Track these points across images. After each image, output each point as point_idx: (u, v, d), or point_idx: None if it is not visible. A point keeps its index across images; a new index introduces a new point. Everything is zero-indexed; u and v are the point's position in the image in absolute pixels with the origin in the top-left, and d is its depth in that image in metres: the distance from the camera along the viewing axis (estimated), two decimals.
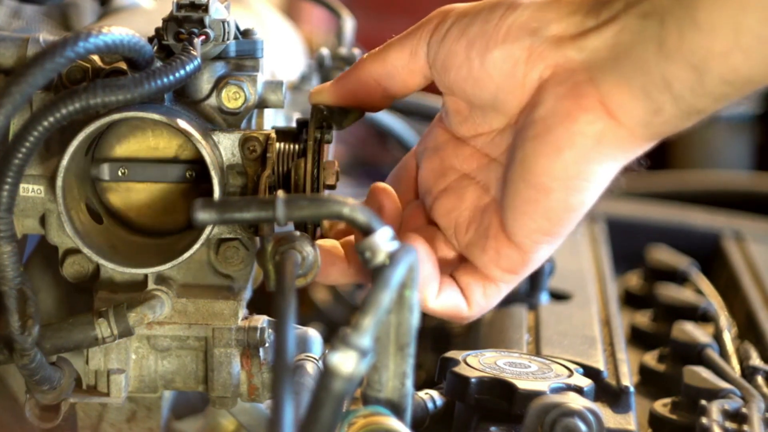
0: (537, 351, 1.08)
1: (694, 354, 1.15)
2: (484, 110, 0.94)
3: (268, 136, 0.95)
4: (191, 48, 0.91)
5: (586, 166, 0.89)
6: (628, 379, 1.03)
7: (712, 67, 0.83)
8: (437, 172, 0.97)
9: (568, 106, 0.88)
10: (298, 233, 0.90)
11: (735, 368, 1.14)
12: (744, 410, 0.99)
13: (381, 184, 0.98)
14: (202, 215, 0.84)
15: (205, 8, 0.94)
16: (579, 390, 0.95)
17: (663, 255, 1.45)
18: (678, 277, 1.40)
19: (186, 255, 0.92)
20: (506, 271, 0.93)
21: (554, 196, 0.89)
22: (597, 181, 0.90)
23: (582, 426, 0.86)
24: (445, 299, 0.94)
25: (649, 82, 0.86)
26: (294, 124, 1.00)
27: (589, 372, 1.01)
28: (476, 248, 0.94)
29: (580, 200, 0.90)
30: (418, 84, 0.96)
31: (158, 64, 0.92)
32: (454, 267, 0.96)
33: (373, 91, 0.97)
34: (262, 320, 0.96)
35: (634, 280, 1.44)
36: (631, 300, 1.40)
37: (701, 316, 1.28)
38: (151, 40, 0.95)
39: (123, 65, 0.94)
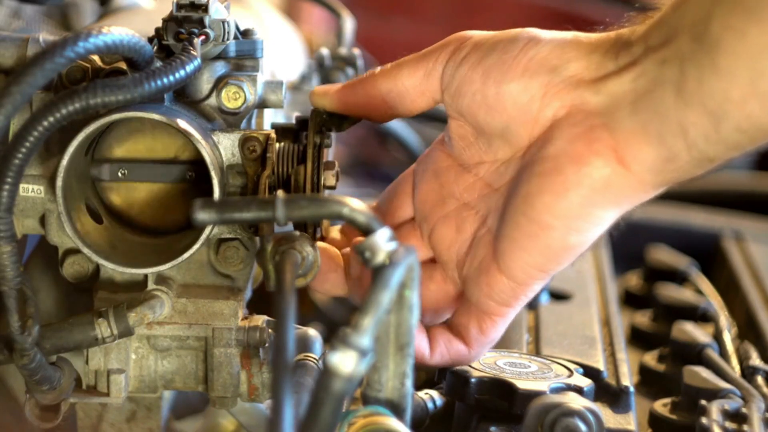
0: (537, 351, 1.08)
1: (694, 354, 1.15)
2: (492, 139, 0.94)
3: (268, 136, 0.95)
4: (191, 48, 0.91)
5: (590, 209, 0.89)
6: (628, 379, 1.03)
7: (729, 114, 0.83)
8: (436, 197, 0.97)
9: (580, 149, 0.89)
10: (298, 233, 0.90)
11: (735, 368, 1.14)
12: (744, 410, 0.99)
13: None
14: (202, 215, 0.84)
15: (205, 8, 0.94)
16: (579, 390, 0.95)
17: (663, 255, 1.45)
18: (678, 277, 1.40)
19: (186, 255, 0.92)
20: (500, 305, 0.94)
21: (554, 234, 0.90)
22: (598, 224, 0.90)
23: (582, 426, 0.86)
24: (442, 352, 0.96)
25: (665, 129, 0.86)
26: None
27: (589, 372, 1.01)
28: (471, 282, 0.95)
29: (579, 240, 0.90)
30: (425, 106, 0.96)
31: (158, 64, 0.92)
32: (453, 305, 0.97)
33: (379, 107, 0.97)
34: (262, 320, 0.96)
35: (634, 280, 1.44)
36: (631, 300, 1.40)
37: (701, 316, 1.28)
38: (151, 40, 0.95)
39: (123, 65, 0.94)
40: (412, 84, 0.96)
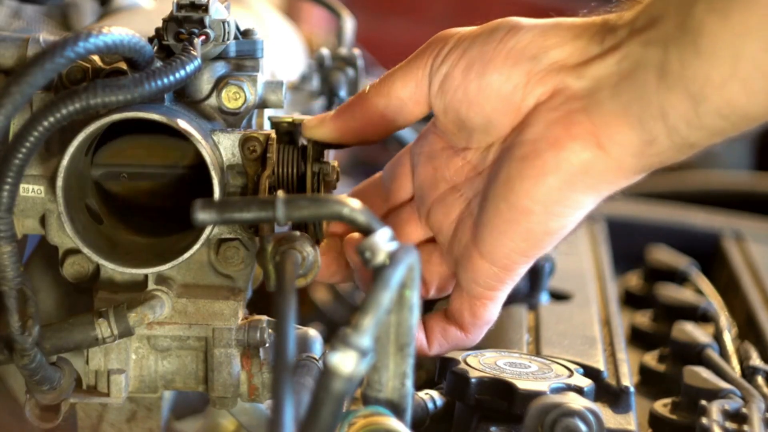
0: (537, 351, 1.08)
1: (694, 354, 1.15)
2: (473, 133, 0.94)
3: (268, 137, 0.95)
4: (191, 48, 0.91)
5: (569, 194, 0.89)
6: (628, 379, 1.03)
7: (709, 97, 0.83)
8: (430, 180, 0.97)
9: (558, 133, 0.89)
10: (298, 233, 0.90)
11: (735, 368, 1.14)
12: (744, 410, 0.99)
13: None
14: (202, 215, 0.84)
15: (205, 8, 0.94)
16: (579, 390, 0.95)
17: (663, 255, 1.45)
18: (678, 277, 1.40)
19: (186, 255, 0.92)
20: (486, 289, 0.94)
21: (534, 219, 0.90)
22: (579, 208, 0.90)
23: (582, 426, 0.86)
24: (440, 342, 0.97)
25: (645, 112, 0.85)
26: None
27: (589, 372, 1.01)
28: (459, 266, 0.95)
29: (559, 225, 0.90)
30: (423, 113, 0.96)
31: (158, 64, 0.92)
32: (452, 285, 0.97)
33: (378, 125, 0.97)
34: (262, 320, 0.96)
35: (634, 280, 1.44)
36: (631, 300, 1.40)
37: (701, 316, 1.28)
38: (151, 40, 0.95)
39: (123, 65, 0.94)
40: (406, 95, 0.95)
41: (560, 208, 0.90)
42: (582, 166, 0.88)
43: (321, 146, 0.98)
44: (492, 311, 0.96)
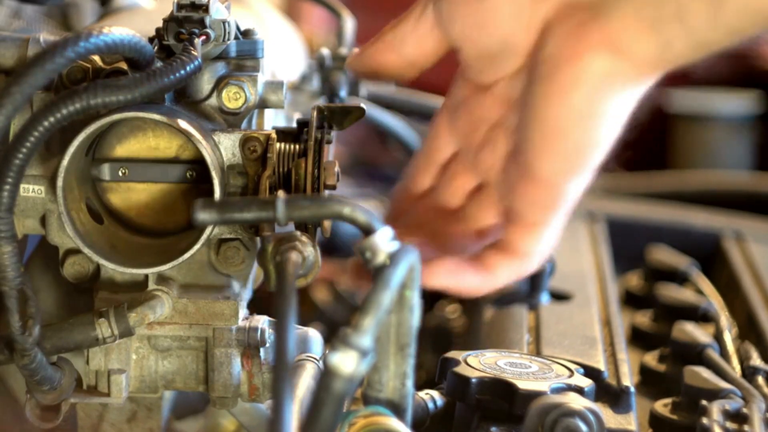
0: (537, 351, 1.08)
1: (694, 354, 1.15)
2: (495, 57, 0.93)
3: (268, 137, 0.95)
4: (192, 48, 0.91)
5: (598, 103, 0.88)
6: (628, 379, 1.03)
7: None
8: (470, 126, 0.97)
9: (573, 45, 0.88)
10: (298, 233, 0.90)
11: (735, 368, 1.14)
12: (744, 410, 0.99)
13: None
14: (202, 215, 0.84)
15: (205, 8, 0.94)
16: (579, 390, 0.95)
17: (663, 255, 1.45)
18: (678, 277, 1.40)
19: (186, 255, 0.93)
20: (543, 211, 0.91)
21: (571, 136, 0.88)
22: (612, 115, 0.88)
23: (583, 426, 0.86)
24: (501, 272, 0.93)
25: (661, 15, 0.84)
26: (294, 124, 1.00)
27: (590, 372, 1.01)
28: (512, 195, 0.93)
29: (598, 135, 0.88)
30: (432, 48, 0.95)
31: (159, 64, 0.92)
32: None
33: (391, 58, 0.97)
34: (262, 320, 0.96)
35: (634, 280, 1.44)
36: (631, 300, 1.40)
37: (702, 316, 1.28)
38: (151, 40, 0.95)
39: (124, 65, 0.94)
40: (410, 28, 0.95)
41: (592, 120, 0.88)
42: (603, 73, 0.87)
43: (325, 116, 0.97)
44: (549, 238, 0.93)
